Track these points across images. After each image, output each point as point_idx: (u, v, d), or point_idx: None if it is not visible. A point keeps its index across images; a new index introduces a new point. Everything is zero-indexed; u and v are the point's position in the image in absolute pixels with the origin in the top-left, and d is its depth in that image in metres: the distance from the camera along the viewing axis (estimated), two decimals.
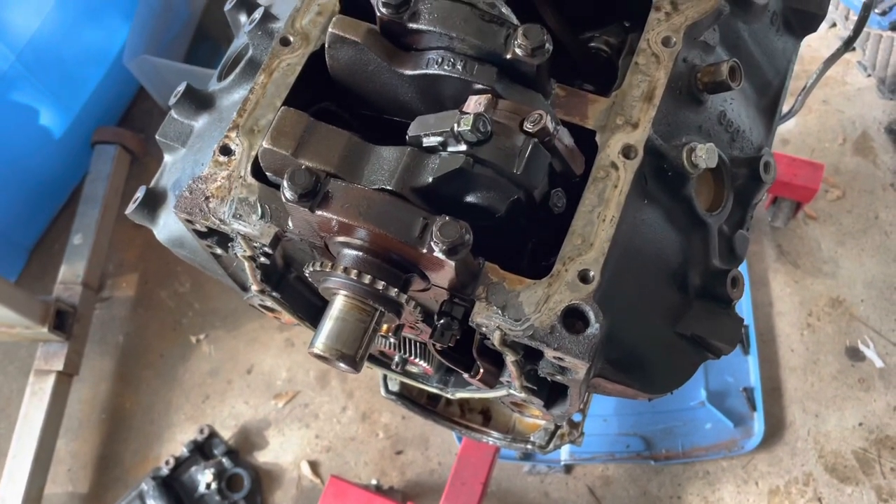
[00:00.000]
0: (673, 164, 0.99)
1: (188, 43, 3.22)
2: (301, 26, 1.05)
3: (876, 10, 2.72)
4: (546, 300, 0.90)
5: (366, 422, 2.61)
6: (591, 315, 0.89)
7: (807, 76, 2.60)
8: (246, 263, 1.03)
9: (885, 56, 2.75)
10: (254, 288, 1.13)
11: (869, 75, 2.82)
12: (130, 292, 2.93)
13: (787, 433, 2.45)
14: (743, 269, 2.60)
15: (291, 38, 1.04)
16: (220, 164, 0.97)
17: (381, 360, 1.37)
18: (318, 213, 0.84)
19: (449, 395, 1.35)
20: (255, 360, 2.74)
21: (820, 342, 2.55)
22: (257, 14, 1.10)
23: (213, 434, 2.59)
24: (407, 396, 1.68)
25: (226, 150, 0.98)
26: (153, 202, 1.15)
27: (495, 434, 1.76)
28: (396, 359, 1.29)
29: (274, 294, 1.16)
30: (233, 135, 0.99)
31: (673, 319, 1.07)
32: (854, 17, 2.86)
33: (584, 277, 0.91)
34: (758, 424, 2.41)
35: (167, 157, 1.19)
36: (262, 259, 1.01)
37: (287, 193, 0.84)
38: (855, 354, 2.52)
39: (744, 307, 2.55)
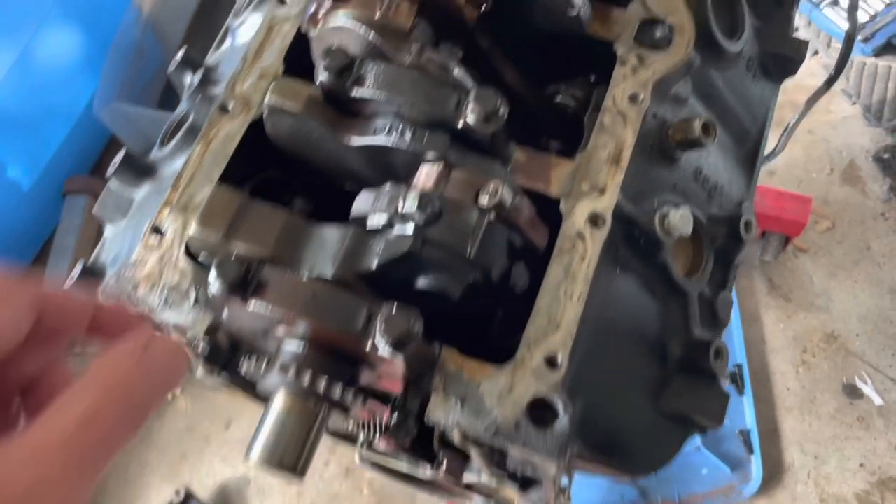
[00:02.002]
0: (644, 231, 0.92)
1: (161, 88, 3.15)
2: (241, 91, 0.98)
3: (859, 37, 2.68)
4: (510, 390, 0.82)
5: (350, 477, 2.51)
6: (560, 407, 0.80)
7: (790, 105, 2.54)
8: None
9: (870, 83, 2.70)
10: (198, 372, 1.04)
11: (854, 103, 2.77)
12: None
13: (787, 476, 2.36)
14: (734, 304, 2.52)
15: (230, 105, 0.97)
16: (151, 247, 0.89)
17: (347, 436, 1.28)
18: (251, 304, 0.76)
19: (420, 475, 1.25)
20: (233, 414, 2.63)
21: (816, 380, 2.46)
22: (196, 78, 1.03)
23: (189, 495, 2.48)
24: (383, 465, 1.58)
25: (157, 231, 0.90)
26: (91, 279, 1.06)
27: (478, 499, 1.66)
28: (362, 437, 1.20)
29: (222, 377, 1.07)
30: (165, 213, 0.91)
31: (654, 395, 0.99)
32: (836, 45, 2.82)
33: (551, 363, 0.83)
34: (755, 468, 2.32)
35: (107, 230, 1.11)
36: (203, 346, 0.92)
37: (214, 286, 0.75)
38: (853, 392, 2.44)
39: (736, 345, 2.47)
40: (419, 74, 0.85)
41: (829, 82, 1.44)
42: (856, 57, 2.74)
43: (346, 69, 0.85)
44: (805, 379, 2.46)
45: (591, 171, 0.92)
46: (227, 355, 1.07)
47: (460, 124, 0.84)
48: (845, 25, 2.75)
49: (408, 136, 0.85)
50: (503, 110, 0.84)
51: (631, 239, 0.93)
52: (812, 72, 2.86)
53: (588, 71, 1.06)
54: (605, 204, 0.90)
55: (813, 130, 2.78)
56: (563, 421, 0.80)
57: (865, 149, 2.72)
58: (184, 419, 2.65)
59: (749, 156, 1.17)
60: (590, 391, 0.89)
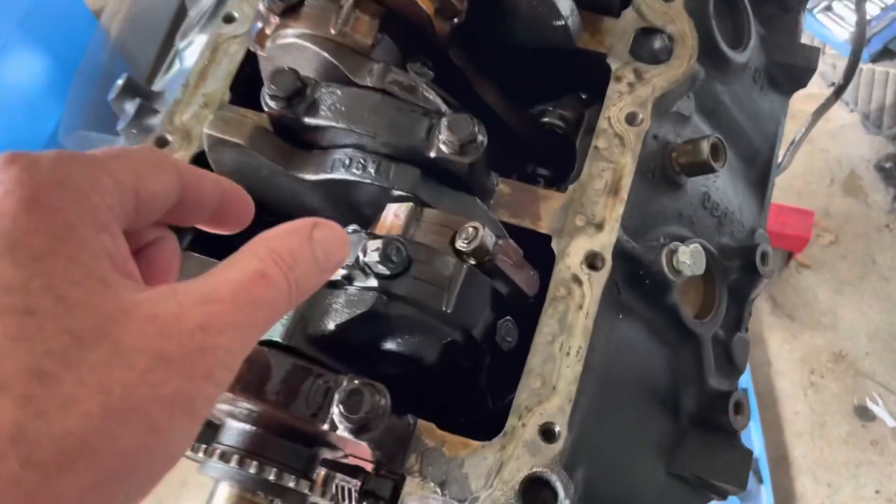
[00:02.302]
0: (650, 270, 0.79)
1: None
2: (182, 123, 0.85)
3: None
4: (499, 469, 0.69)
5: None
6: (560, 488, 0.67)
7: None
8: None
9: (868, 90, 2.60)
10: None
11: (852, 111, 2.67)
12: None
13: None
14: None
15: (170, 138, 0.84)
16: None
17: None
18: None
19: None
20: None
21: (826, 402, 2.34)
22: (131, 107, 0.90)
23: None
24: None
25: None
26: None
27: None
28: None
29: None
30: None
31: (665, 457, 0.86)
32: (830, 52, 2.72)
33: (547, 434, 0.70)
34: (766, 499, 2.19)
35: None
36: None
37: None
38: (864, 414, 2.32)
39: None
40: (383, 98, 0.73)
41: (838, 92, 1.33)
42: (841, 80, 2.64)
43: (298, 94, 0.72)
44: (814, 402, 2.34)
45: (585, 204, 0.79)
46: None
47: (432, 154, 0.71)
48: (839, 31, 2.66)
49: (371, 169, 0.73)
50: (481, 137, 0.71)
51: (634, 280, 0.80)
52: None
53: (578, 88, 0.94)
54: (604, 241, 0.77)
55: (811, 140, 2.67)
56: None
57: (866, 158, 2.62)
58: None
59: (760, 177, 1.05)
60: (592, 458, 0.77)
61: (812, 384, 2.36)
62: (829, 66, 2.69)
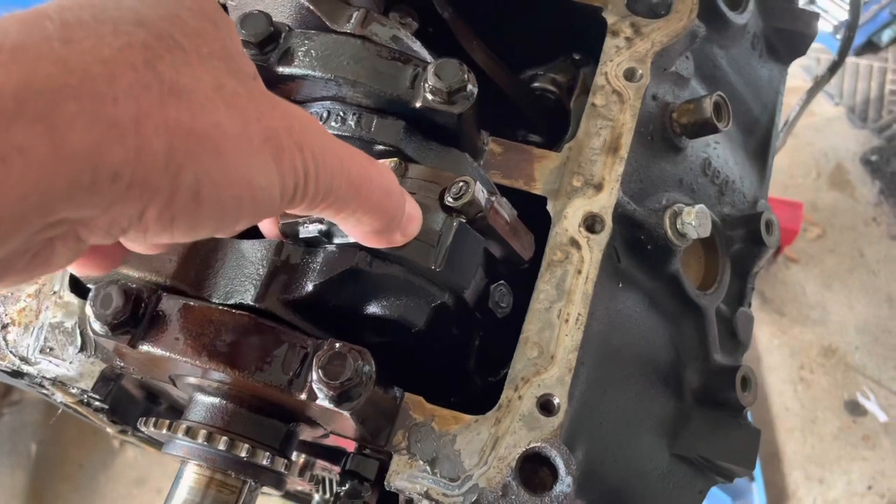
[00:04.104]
0: (653, 234, 0.74)
1: None
2: None
3: (837, 36, 2.57)
4: (494, 445, 0.63)
5: None
6: (561, 464, 0.62)
7: None
8: (80, 409, 0.74)
9: (853, 83, 2.59)
10: (109, 431, 0.84)
11: (837, 104, 2.65)
12: None
13: None
14: None
15: None
16: None
17: (300, 497, 1.07)
18: (144, 348, 0.57)
19: None
20: None
21: (816, 398, 2.31)
22: None
23: None
24: None
25: None
26: None
27: None
28: (317, 499, 1.00)
29: (141, 435, 0.87)
30: None
31: (669, 437, 0.81)
32: (815, 45, 2.70)
33: (545, 407, 0.64)
34: (758, 497, 2.15)
35: None
36: (98, 403, 0.72)
37: (94, 324, 0.56)
38: (855, 409, 2.28)
39: None
40: (363, 44, 0.67)
41: (833, 68, 1.30)
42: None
43: (270, 40, 0.66)
44: (804, 397, 2.30)
45: (583, 164, 0.74)
46: (143, 406, 0.87)
47: (418, 104, 0.65)
48: (823, 24, 2.64)
49: (351, 122, 0.67)
50: (472, 87, 0.66)
51: (635, 246, 0.75)
52: (791, 72, 2.74)
53: (571, 48, 0.89)
54: (604, 203, 0.72)
55: (796, 134, 2.65)
56: (564, 481, 0.61)
57: (852, 151, 2.60)
58: (133, 470, 2.41)
59: (760, 147, 1.01)
60: (592, 437, 0.71)
61: (802, 379, 2.32)
62: (814, 60, 2.68)
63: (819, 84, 1.31)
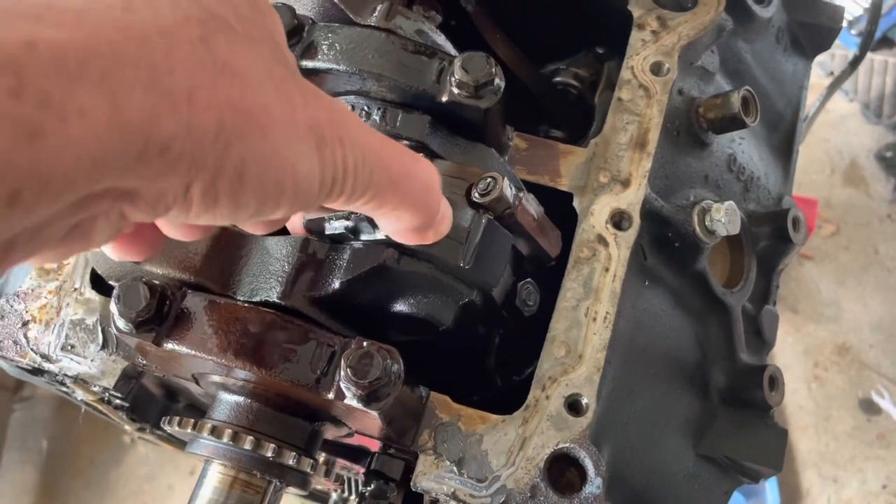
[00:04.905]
0: (680, 231, 0.73)
1: None
2: None
3: (853, 31, 2.55)
4: (522, 445, 0.62)
5: None
6: (590, 465, 0.61)
7: None
8: (99, 407, 0.73)
9: (867, 79, 2.56)
10: (127, 429, 0.83)
11: (852, 100, 2.63)
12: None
13: (805, 503, 2.17)
14: None
15: None
16: (48, 273, 0.69)
17: (317, 496, 1.07)
18: (169, 346, 0.56)
19: None
20: (198, 459, 2.40)
21: (830, 396, 2.29)
22: None
23: None
24: None
25: None
26: None
27: None
28: (335, 497, 0.99)
29: (160, 433, 0.86)
30: None
31: (694, 437, 0.79)
32: None
33: (574, 407, 0.63)
34: (771, 496, 2.13)
35: None
36: (119, 401, 0.71)
37: (118, 322, 0.55)
38: (870, 407, 2.26)
39: None
40: (388, 38, 0.66)
41: (855, 63, 1.28)
42: (851, 52, 2.60)
43: (294, 33, 0.65)
44: (818, 395, 2.28)
45: (609, 159, 0.73)
46: (162, 404, 0.86)
47: (444, 99, 0.64)
48: None
49: (376, 117, 0.66)
50: (499, 81, 0.65)
51: (662, 243, 0.74)
52: None
53: (595, 41, 0.88)
54: (631, 199, 0.71)
55: (810, 131, 2.63)
56: (594, 482, 0.60)
57: (867, 147, 2.58)
58: (145, 466, 2.41)
59: (784, 142, 0.99)
60: (618, 437, 0.70)
61: (816, 378, 2.31)
62: (828, 56, 2.65)
63: (840, 79, 1.29)
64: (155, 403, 0.85)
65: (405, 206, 0.46)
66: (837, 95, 2.68)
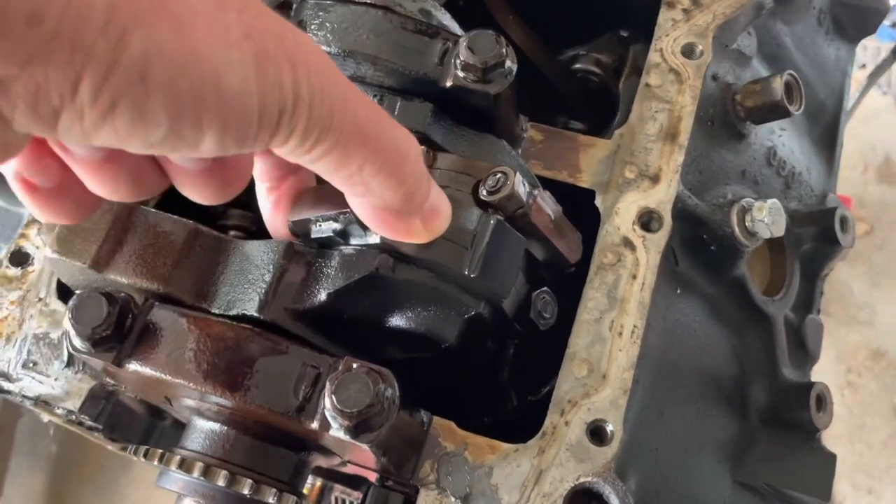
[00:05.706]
0: (717, 233, 0.65)
1: None
2: None
3: (887, 23, 2.43)
4: (537, 480, 0.54)
5: None
6: (615, 501, 0.53)
7: None
8: (70, 428, 0.66)
9: None
10: (109, 448, 0.76)
11: (885, 93, 2.52)
12: None
13: None
14: None
15: None
16: (10, 282, 0.62)
17: None
18: (132, 367, 0.49)
19: None
20: None
21: (864, 403, 2.18)
22: None
23: None
24: None
25: (19, 258, 0.62)
26: None
27: None
28: None
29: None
30: (31, 232, 0.63)
31: (732, 462, 0.71)
32: None
33: (597, 434, 0.55)
34: None
35: None
36: (90, 423, 0.64)
37: (73, 340, 0.48)
38: None
39: None
40: (385, 16, 0.58)
41: None
42: (884, 44, 2.49)
43: (280, 9, 0.58)
44: (852, 403, 2.18)
45: (636, 152, 0.65)
46: (147, 421, 0.79)
47: (448, 84, 0.57)
48: None
49: None
50: (510, 63, 0.57)
51: (696, 246, 0.66)
52: None
53: (618, 23, 0.80)
54: (661, 197, 0.63)
55: None
56: None
57: None
58: (154, 472, 2.35)
59: (826, 134, 0.91)
60: (647, 464, 0.62)
61: (849, 384, 2.20)
62: (860, 47, 2.54)
63: (881, 68, 1.20)
64: (138, 420, 0.78)
65: (375, 166, 0.38)
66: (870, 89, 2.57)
